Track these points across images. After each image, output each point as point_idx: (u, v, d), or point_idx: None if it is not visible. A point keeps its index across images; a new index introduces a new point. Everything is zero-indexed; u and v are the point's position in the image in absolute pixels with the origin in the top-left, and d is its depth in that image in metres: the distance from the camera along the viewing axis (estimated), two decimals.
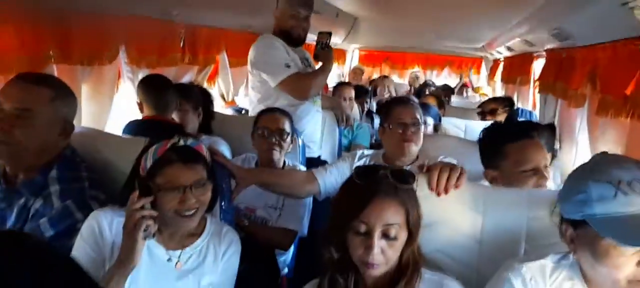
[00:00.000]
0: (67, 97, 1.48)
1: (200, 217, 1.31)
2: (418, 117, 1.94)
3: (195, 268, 1.31)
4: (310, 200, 2.06)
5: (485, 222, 1.29)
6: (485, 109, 3.66)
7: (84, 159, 1.52)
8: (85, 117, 2.00)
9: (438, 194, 1.30)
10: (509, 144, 1.58)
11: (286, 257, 2.13)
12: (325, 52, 2.63)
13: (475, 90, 5.71)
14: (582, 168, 1.05)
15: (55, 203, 1.36)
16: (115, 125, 2.21)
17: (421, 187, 1.30)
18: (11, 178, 1.40)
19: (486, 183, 1.65)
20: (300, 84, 2.49)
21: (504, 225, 1.28)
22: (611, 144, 1.89)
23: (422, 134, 1.94)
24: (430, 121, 2.96)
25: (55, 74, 1.76)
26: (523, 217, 1.27)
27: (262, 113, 2.19)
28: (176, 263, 1.30)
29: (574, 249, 1.04)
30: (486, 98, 5.03)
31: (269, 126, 2.11)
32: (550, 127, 2.38)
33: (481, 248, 1.29)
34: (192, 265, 1.31)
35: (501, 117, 3.39)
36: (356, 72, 6.54)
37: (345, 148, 3.59)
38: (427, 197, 1.29)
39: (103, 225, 1.26)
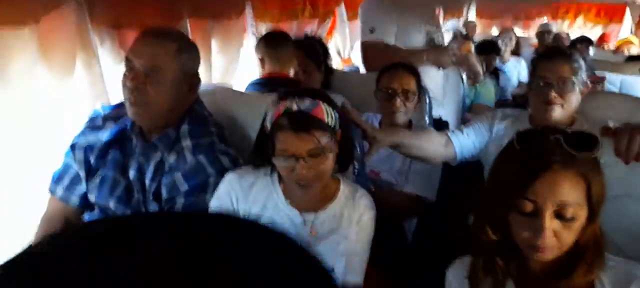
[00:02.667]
0: (191, 50, 1.47)
1: (325, 182, 1.21)
2: (567, 74, 1.57)
3: (331, 234, 1.23)
4: (438, 164, 1.89)
5: None
6: None
7: (212, 114, 1.51)
8: (215, 73, 2.03)
9: (626, 162, 1.05)
10: None
11: (412, 223, 2.00)
12: (446, 50, 2.36)
13: (619, 44, 4.90)
14: None
15: (188, 158, 1.38)
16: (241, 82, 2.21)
17: (603, 153, 1.07)
18: (147, 134, 1.44)
19: None
20: (370, 56, 2.28)
21: None
22: None
23: (574, 95, 1.58)
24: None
25: (188, 28, 1.78)
26: None
27: (385, 70, 2.02)
28: (311, 228, 1.23)
29: None
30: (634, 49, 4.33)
31: (393, 86, 1.94)
32: None
33: None
34: (327, 231, 1.24)
35: None
36: (468, 27, 6.01)
37: (467, 108, 3.34)
38: (612, 165, 1.06)
39: (237, 192, 1.25)
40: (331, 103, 1.19)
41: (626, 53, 4.37)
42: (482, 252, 0.98)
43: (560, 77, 1.57)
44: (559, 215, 0.86)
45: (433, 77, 2.46)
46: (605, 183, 0.91)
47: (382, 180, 1.94)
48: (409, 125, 2.00)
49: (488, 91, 3.47)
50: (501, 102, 3.66)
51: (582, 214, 0.88)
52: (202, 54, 1.55)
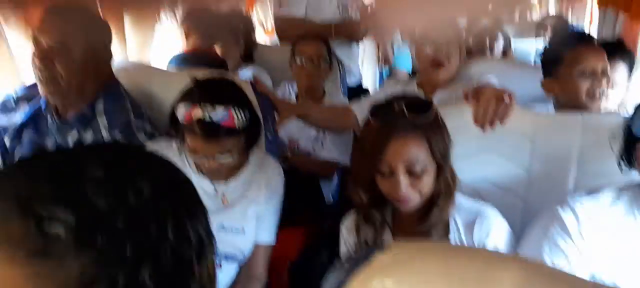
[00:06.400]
0: (99, 25, 1.49)
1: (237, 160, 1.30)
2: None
3: (241, 200, 1.34)
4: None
5: (534, 149, 1.24)
6: (547, 22, 3.44)
7: (128, 91, 1.54)
8: (130, 49, 2.03)
9: (483, 130, 1.21)
10: (567, 49, 1.57)
11: (330, 186, 2.17)
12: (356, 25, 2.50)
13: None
14: None
15: (105, 135, 1.42)
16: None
17: (468, 114, 1.25)
18: (62, 113, 1.46)
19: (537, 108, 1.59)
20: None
21: (554, 151, 1.22)
22: None
23: (455, 58, 1.78)
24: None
25: (98, 4, 1.76)
26: (575, 142, 1.21)
27: (299, 40, 2.15)
28: (222, 197, 1.33)
29: None
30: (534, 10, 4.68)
31: (306, 53, 2.07)
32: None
33: (529, 176, 1.25)
34: (237, 196, 1.34)
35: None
36: None
37: (387, 74, 3.52)
38: (473, 124, 1.25)
39: None
40: (241, 99, 1.25)
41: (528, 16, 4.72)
42: (360, 208, 1.14)
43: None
44: (410, 171, 1.03)
45: (350, 52, 2.61)
46: (449, 138, 1.08)
47: (300, 148, 2.08)
48: (322, 94, 2.14)
49: (405, 56, 3.65)
50: None
51: (430, 168, 1.04)
52: (114, 30, 1.56)
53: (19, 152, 1.45)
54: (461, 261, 0.59)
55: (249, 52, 2.46)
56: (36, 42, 1.36)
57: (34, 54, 1.36)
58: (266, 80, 2.27)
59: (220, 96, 1.19)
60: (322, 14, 2.45)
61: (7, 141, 1.46)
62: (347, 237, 1.20)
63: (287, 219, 1.45)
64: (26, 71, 1.52)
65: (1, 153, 1.46)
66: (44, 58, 1.34)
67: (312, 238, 1.92)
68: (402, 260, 0.59)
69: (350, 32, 2.52)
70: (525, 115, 1.26)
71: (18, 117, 1.47)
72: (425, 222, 1.07)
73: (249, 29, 2.50)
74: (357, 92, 2.51)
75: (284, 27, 2.44)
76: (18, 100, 1.50)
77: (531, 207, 1.22)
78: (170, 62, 2.10)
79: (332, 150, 2.04)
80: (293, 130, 2.07)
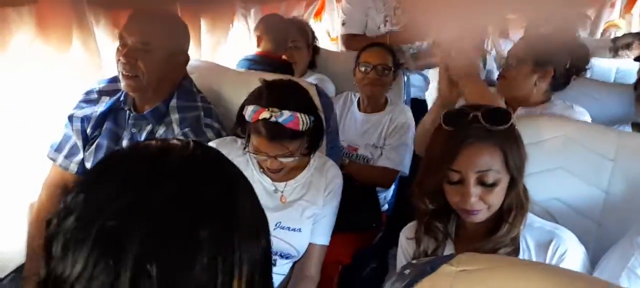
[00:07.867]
0: (179, 28, 1.58)
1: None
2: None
3: (299, 199, 1.36)
4: (411, 140, 2.01)
5: (615, 170, 1.16)
6: (618, 44, 3.22)
7: (200, 90, 1.62)
8: (204, 51, 2.12)
9: None
10: None
11: (387, 194, 2.14)
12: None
13: (606, 27, 4.96)
14: None
15: (176, 131, 1.49)
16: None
17: (545, 130, 1.20)
18: (139, 106, 1.55)
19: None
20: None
21: (638, 175, 1.14)
22: None
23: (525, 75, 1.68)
24: None
25: (178, 8, 1.87)
26: None
27: (364, 48, 2.15)
28: (281, 196, 1.36)
29: None
30: (619, 32, 4.39)
31: (370, 61, 2.07)
32: None
33: (607, 198, 1.17)
34: (295, 197, 1.37)
35: (635, 53, 2.99)
36: None
37: None
38: (551, 140, 1.19)
39: None
40: (307, 103, 1.26)
41: (612, 36, 4.44)
42: (422, 218, 1.11)
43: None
44: (481, 181, 0.99)
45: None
46: (525, 153, 1.04)
47: (359, 155, 2.08)
48: (385, 102, 2.12)
49: None
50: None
51: (503, 179, 1.00)
52: (191, 33, 1.65)
53: (98, 140, 1.55)
54: (538, 282, 0.55)
55: (312, 58, 2.50)
56: (122, 40, 1.46)
57: (119, 51, 1.46)
58: (329, 87, 2.29)
59: (287, 100, 1.22)
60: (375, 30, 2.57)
61: (88, 129, 1.56)
62: (405, 245, 1.18)
63: (342, 224, 1.46)
64: (109, 66, 1.63)
65: (82, 140, 1.56)
66: (129, 55, 1.44)
67: (365, 245, 1.91)
68: (471, 272, 0.57)
69: (406, 38, 2.53)
70: (606, 135, 1.19)
71: (100, 107, 1.57)
72: (491, 238, 1.02)
73: (314, 36, 2.54)
74: (418, 105, 2.47)
75: (349, 43, 2.61)
76: (100, 93, 1.60)
77: (607, 232, 1.15)
78: (240, 63, 2.18)
79: (391, 158, 2.02)
80: (353, 136, 2.08)
